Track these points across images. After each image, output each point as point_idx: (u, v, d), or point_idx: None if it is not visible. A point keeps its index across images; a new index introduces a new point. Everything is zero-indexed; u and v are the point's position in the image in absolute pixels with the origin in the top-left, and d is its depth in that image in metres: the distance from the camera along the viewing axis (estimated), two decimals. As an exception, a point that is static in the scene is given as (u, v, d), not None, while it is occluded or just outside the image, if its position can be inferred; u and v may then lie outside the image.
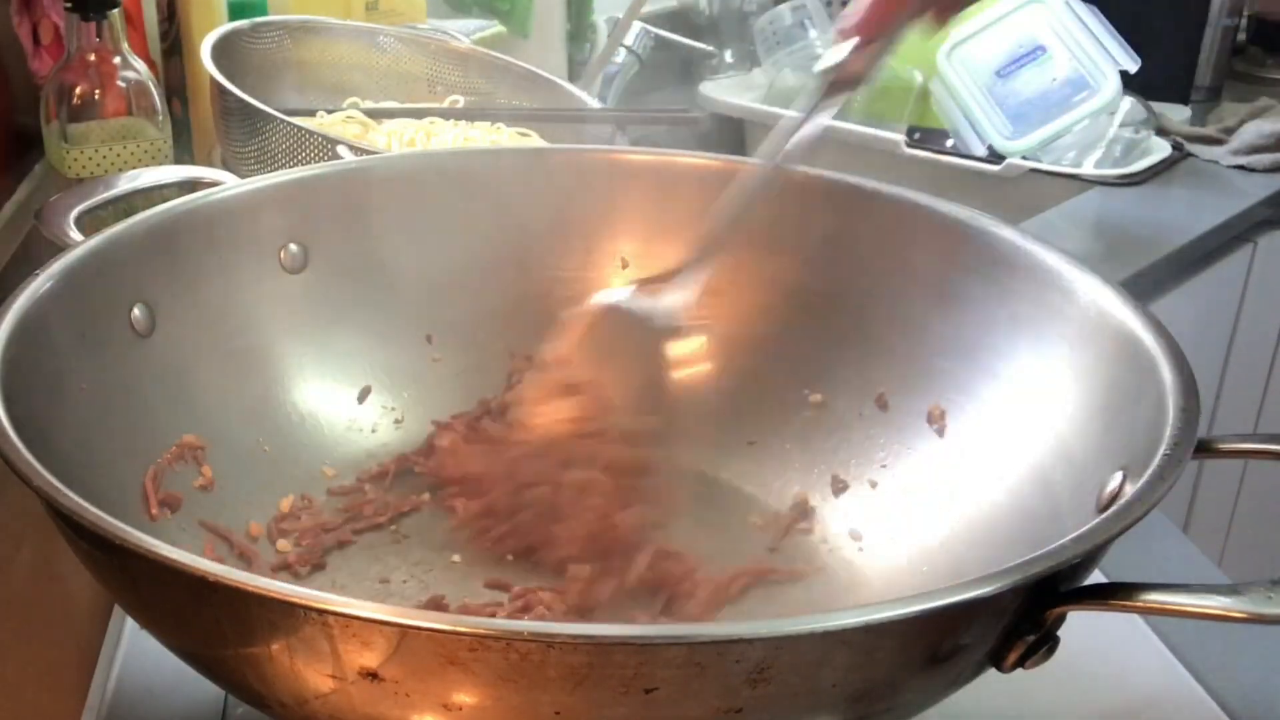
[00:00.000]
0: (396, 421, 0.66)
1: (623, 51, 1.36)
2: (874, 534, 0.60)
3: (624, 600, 0.55)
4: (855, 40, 0.53)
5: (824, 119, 0.55)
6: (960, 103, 1.27)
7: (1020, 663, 0.41)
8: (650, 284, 0.58)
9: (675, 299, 0.57)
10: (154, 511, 0.54)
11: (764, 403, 0.66)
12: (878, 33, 0.52)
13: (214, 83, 0.91)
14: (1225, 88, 1.59)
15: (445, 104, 1.07)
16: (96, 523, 0.39)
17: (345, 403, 0.65)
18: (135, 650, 0.55)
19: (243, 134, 0.90)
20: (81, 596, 0.60)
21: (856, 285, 0.65)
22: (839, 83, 0.54)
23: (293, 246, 0.64)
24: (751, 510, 0.63)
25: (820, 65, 0.54)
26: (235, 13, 1.04)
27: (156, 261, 0.59)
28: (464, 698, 0.37)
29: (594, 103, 1.10)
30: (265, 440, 0.61)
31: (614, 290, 0.60)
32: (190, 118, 1.07)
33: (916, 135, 1.29)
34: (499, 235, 0.69)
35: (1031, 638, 0.41)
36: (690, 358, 0.57)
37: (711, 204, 0.68)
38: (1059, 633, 0.41)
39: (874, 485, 0.62)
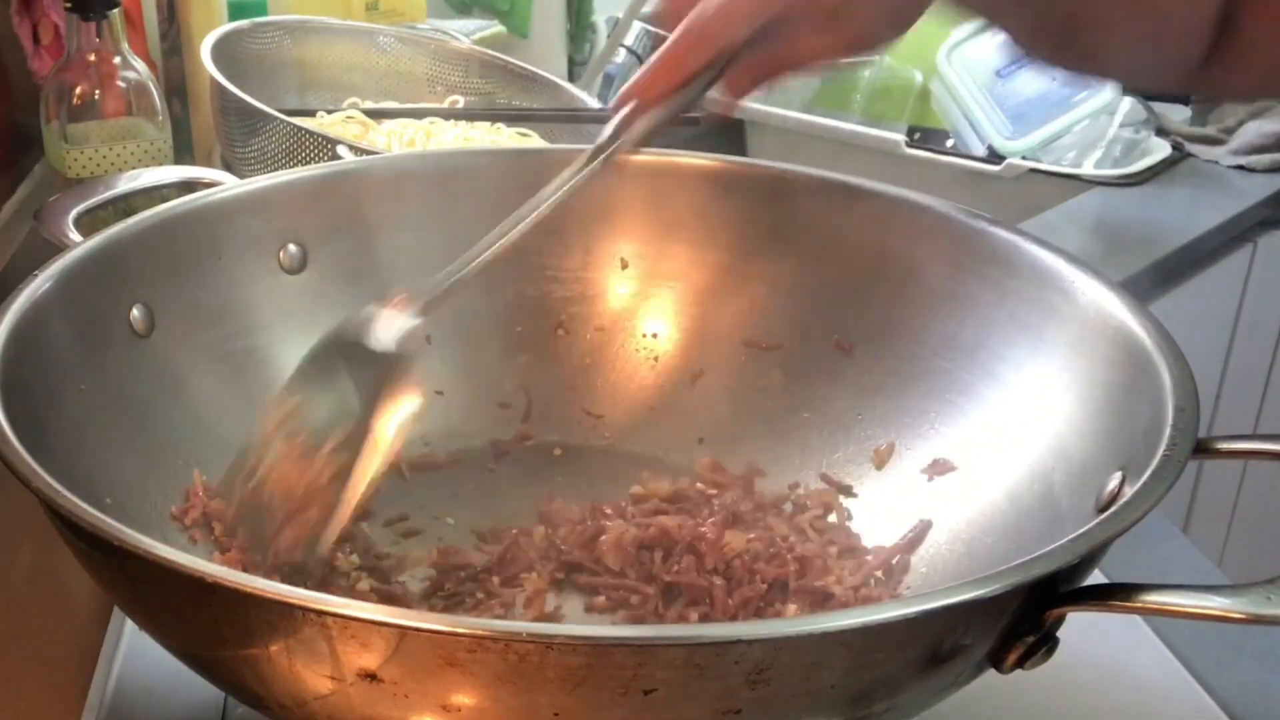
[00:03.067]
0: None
1: (623, 51, 1.36)
2: (873, 535, 0.60)
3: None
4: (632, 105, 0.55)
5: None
6: (960, 103, 1.27)
7: (1020, 663, 0.41)
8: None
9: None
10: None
11: (761, 403, 0.66)
12: (654, 100, 0.55)
13: (214, 83, 0.91)
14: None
15: (445, 104, 1.07)
16: (95, 524, 0.39)
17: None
18: (135, 650, 0.55)
19: (243, 134, 0.90)
20: (81, 596, 0.60)
21: (855, 285, 0.65)
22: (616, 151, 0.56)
23: (292, 247, 0.64)
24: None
25: (600, 139, 0.56)
26: (235, 13, 1.04)
27: (156, 262, 0.59)
28: (463, 699, 0.37)
29: (594, 103, 1.10)
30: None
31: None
32: (190, 118, 1.07)
33: (916, 135, 1.29)
34: (498, 235, 0.69)
35: (1031, 638, 0.41)
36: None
37: (710, 204, 0.68)
38: (1058, 633, 0.41)
39: (873, 485, 0.62)
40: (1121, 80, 1.06)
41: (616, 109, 0.56)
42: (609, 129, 0.56)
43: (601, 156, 0.56)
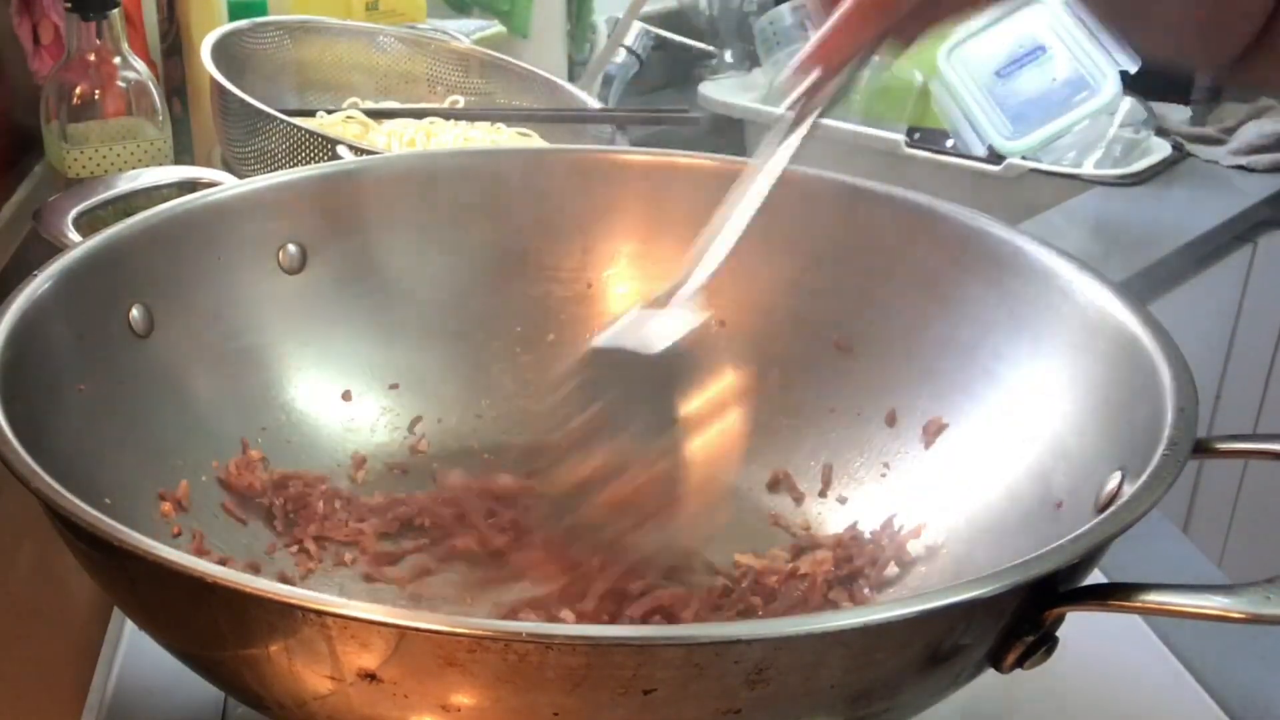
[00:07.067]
0: (394, 424, 0.66)
1: (623, 51, 1.36)
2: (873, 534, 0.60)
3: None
4: (816, 73, 0.54)
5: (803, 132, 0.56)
6: (960, 103, 1.27)
7: (1019, 663, 0.41)
8: (652, 304, 0.55)
9: (672, 318, 0.55)
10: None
11: (760, 403, 0.66)
12: (838, 65, 0.53)
13: (214, 83, 0.91)
14: (1225, 88, 1.59)
15: (445, 104, 1.07)
16: (94, 524, 0.39)
17: (343, 403, 0.65)
18: (135, 650, 0.55)
19: (243, 134, 0.90)
20: (81, 596, 0.60)
21: (855, 286, 0.65)
22: (807, 109, 0.55)
23: (291, 247, 0.64)
24: (752, 509, 0.63)
25: (786, 101, 0.55)
26: (235, 13, 1.04)
27: (155, 262, 0.59)
28: (462, 699, 0.37)
29: (594, 103, 1.10)
30: (264, 442, 0.61)
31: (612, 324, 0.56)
32: (190, 118, 1.07)
33: (916, 135, 1.29)
34: (498, 236, 0.69)
35: (1030, 638, 0.41)
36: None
37: (710, 204, 0.68)
38: (1058, 633, 0.41)
39: (873, 486, 0.62)
40: (1166, 57, 1.04)
41: (798, 77, 0.54)
42: (792, 98, 0.55)
43: (803, 127, 0.55)
